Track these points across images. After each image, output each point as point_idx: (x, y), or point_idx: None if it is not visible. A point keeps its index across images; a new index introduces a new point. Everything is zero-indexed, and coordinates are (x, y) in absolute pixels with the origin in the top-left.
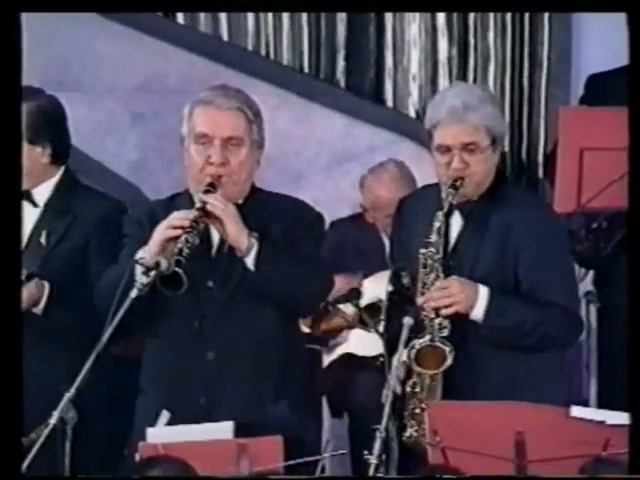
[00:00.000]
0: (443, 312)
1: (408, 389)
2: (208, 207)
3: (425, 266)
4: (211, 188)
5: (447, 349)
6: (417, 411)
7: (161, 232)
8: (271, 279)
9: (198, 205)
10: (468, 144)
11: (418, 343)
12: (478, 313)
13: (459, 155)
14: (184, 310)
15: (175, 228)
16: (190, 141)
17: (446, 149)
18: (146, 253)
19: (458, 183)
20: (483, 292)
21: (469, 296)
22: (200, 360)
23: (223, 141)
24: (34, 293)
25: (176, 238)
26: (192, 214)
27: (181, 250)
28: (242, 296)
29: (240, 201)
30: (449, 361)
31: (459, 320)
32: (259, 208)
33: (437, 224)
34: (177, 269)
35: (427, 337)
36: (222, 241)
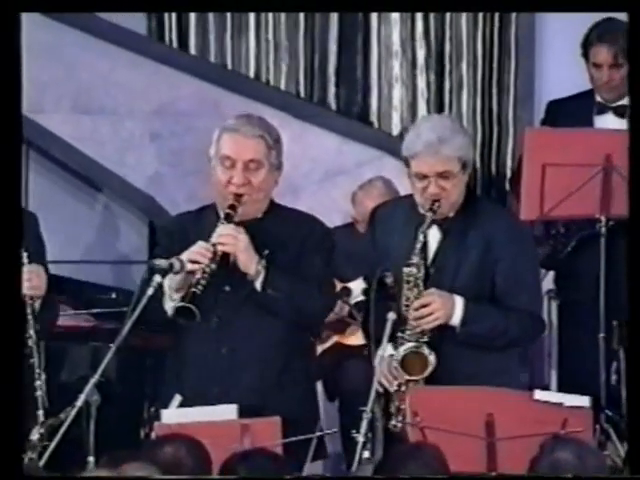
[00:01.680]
0: (426, 326)
1: (395, 388)
2: (219, 248)
3: (408, 282)
4: (231, 211)
5: (430, 356)
6: (402, 407)
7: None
8: (276, 300)
9: (213, 240)
10: (442, 172)
11: (403, 350)
12: (455, 321)
13: (435, 181)
14: (204, 310)
15: (194, 262)
16: (216, 163)
17: (423, 176)
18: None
19: (435, 206)
20: (459, 303)
21: (448, 308)
22: (215, 355)
23: (244, 164)
24: None
25: (194, 271)
26: (209, 251)
27: (198, 281)
28: (252, 302)
29: (260, 215)
30: (432, 366)
31: (438, 326)
32: (276, 221)
33: (418, 245)
34: (190, 305)
35: (411, 344)
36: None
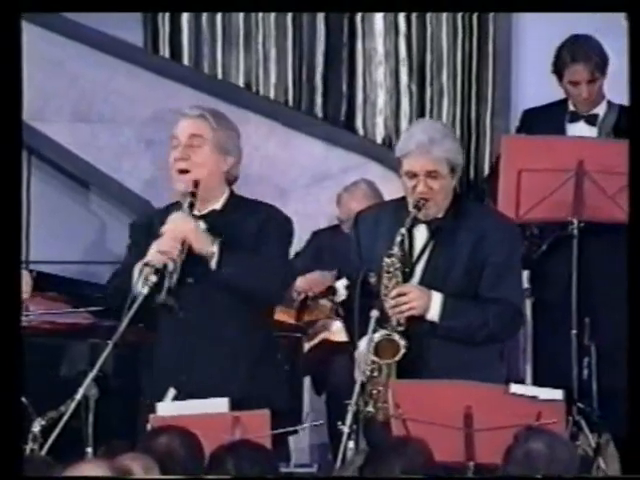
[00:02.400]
0: (401, 314)
1: (368, 373)
2: (166, 235)
3: (388, 272)
4: (193, 198)
5: (401, 342)
6: (374, 392)
7: (154, 255)
8: (231, 275)
9: (163, 229)
10: (431, 172)
11: (376, 336)
12: (434, 316)
13: (424, 181)
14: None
15: (163, 253)
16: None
17: (413, 175)
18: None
19: (421, 203)
20: (436, 298)
21: (424, 301)
22: (182, 345)
23: (188, 138)
24: None
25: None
26: (177, 241)
27: (171, 274)
28: (215, 291)
29: (218, 207)
30: (402, 352)
31: (416, 319)
32: (236, 212)
33: (399, 238)
34: (168, 301)
35: (385, 332)
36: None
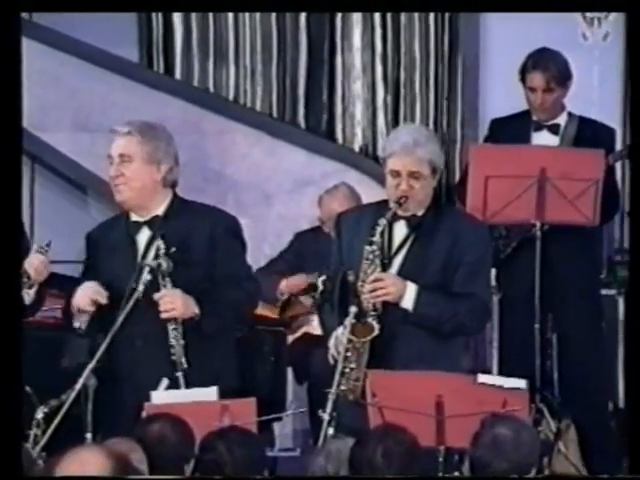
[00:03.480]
0: (377, 299)
1: (342, 353)
2: (163, 315)
3: (367, 259)
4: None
5: (375, 324)
6: (347, 370)
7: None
8: (217, 324)
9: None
10: (414, 172)
11: (351, 317)
12: (408, 304)
13: (406, 180)
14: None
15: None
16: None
17: (396, 174)
18: None
19: (402, 200)
20: (411, 287)
21: (399, 289)
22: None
23: (118, 157)
24: None
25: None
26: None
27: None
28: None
29: (160, 212)
30: (376, 332)
31: (392, 306)
32: (180, 215)
33: (379, 228)
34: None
35: (360, 315)
36: (146, 248)
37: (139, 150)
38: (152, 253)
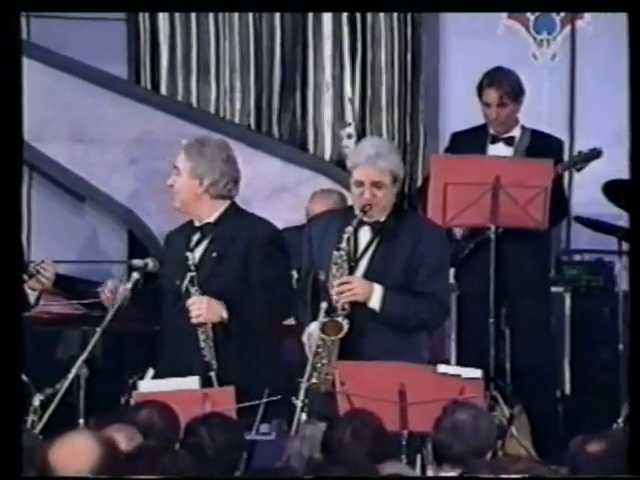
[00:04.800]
0: (345, 299)
1: (314, 349)
2: (193, 320)
3: (336, 264)
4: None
5: (344, 323)
6: (319, 365)
7: None
8: (241, 327)
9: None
10: (376, 182)
11: (322, 317)
12: (375, 304)
13: (369, 189)
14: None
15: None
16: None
17: (360, 183)
18: None
19: (366, 208)
20: (378, 289)
21: (365, 290)
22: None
23: (173, 169)
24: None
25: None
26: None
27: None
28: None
29: (212, 220)
30: (345, 330)
31: (360, 306)
32: (229, 223)
33: (346, 235)
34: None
35: (330, 314)
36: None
37: (185, 165)
38: (197, 256)
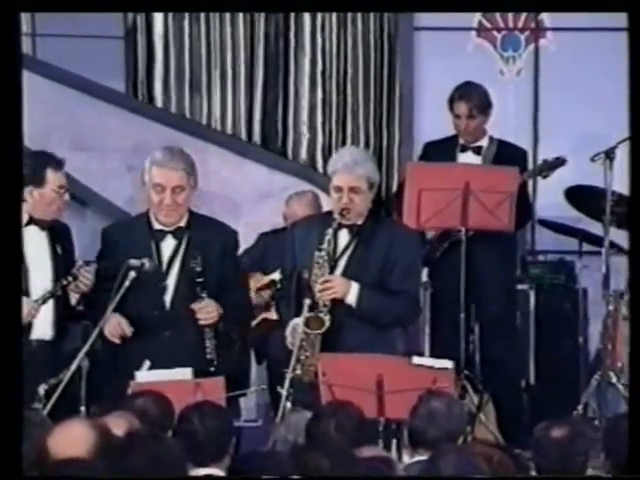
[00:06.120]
0: (326, 297)
1: (298, 343)
2: (201, 322)
3: (317, 263)
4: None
5: (326, 318)
6: (302, 357)
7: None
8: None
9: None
10: (354, 187)
11: (306, 313)
12: (352, 300)
13: (347, 194)
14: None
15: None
16: (149, 187)
17: (339, 189)
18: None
19: (344, 212)
20: (354, 286)
21: (344, 288)
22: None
23: (172, 189)
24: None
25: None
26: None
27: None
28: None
29: (183, 224)
30: (327, 325)
31: (339, 302)
32: (197, 227)
33: (327, 237)
34: None
35: (313, 311)
36: (172, 254)
37: (189, 181)
38: (179, 258)
